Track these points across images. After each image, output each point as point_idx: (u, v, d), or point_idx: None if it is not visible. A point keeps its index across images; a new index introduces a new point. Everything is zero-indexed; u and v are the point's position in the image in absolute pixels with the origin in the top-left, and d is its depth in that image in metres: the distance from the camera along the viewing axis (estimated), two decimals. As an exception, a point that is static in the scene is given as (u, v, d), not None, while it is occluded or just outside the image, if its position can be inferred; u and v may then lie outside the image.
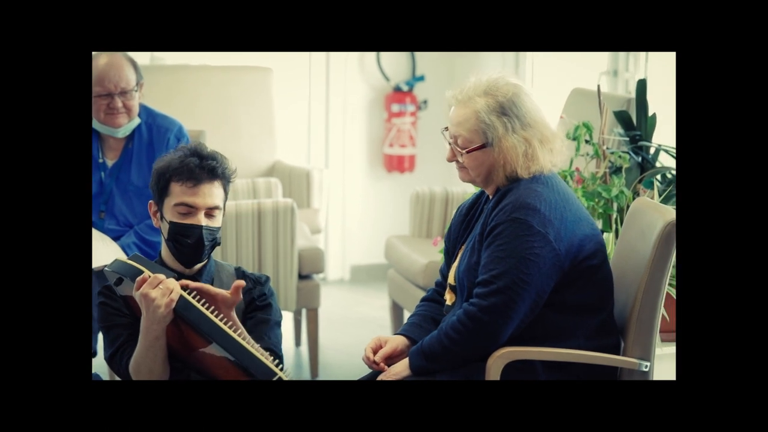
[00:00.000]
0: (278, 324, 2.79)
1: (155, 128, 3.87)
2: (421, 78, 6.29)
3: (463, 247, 2.82)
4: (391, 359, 2.80)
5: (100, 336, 3.73)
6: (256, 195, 5.17)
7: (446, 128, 2.78)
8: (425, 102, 6.32)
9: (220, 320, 2.54)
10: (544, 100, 5.52)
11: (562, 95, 4.66)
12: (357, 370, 4.56)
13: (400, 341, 2.84)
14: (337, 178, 6.35)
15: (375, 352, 2.83)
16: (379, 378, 2.76)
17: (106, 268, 2.61)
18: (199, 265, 2.74)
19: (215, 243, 2.72)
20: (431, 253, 4.59)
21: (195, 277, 2.73)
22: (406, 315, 5.07)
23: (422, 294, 4.50)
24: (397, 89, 6.27)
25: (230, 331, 2.53)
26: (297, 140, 6.35)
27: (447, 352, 2.67)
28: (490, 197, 2.77)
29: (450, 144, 2.76)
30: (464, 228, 2.87)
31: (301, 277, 4.62)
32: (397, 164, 6.34)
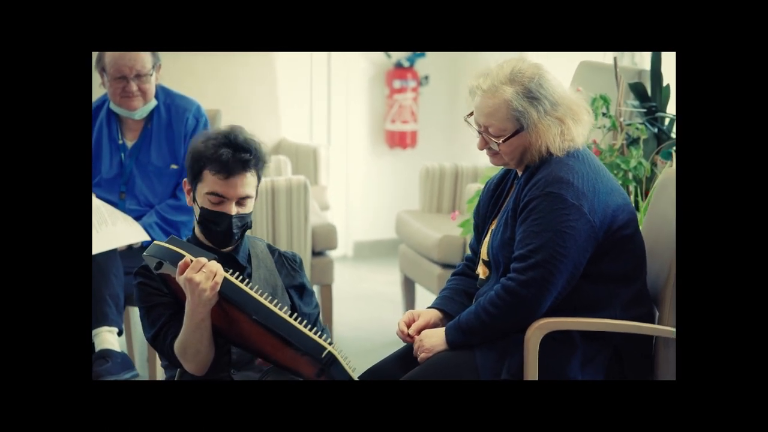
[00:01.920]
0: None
1: (174, 108, 3.87)
2: (422, 54, 6.30)
3: (495, 222, 2.84)
4: (425, 333, 2.82)
5: (126, 314, 3.77)
6: (266, 173, 5.17)
7: (470, 114, 2.79)
8: (426, 78, 6.32)
9: (266, 299, 2.55)
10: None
11: (567, 68, 4.66)
12: (370, 345, 4.60)
13: (434, 314, 2.86)
14: (340, 154, 6.36)
15: (408, 326, 2.85)
16: (413, 351, 2.79)
17: (144, 253, 2.62)
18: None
19: (245, 228, 2.73)
20: (445, 228, 4.61)
21: (231, 254, 2.75)
22: (419, 289, 5.10)
23: (436, 268, 4.56)
24: (399, 65, 6.28)
25: (277, 310, 2.54)
26: (299, 117, 6.34)
27: (485, 327, 2.69)
28: (520, 174, 2.79)
29: (480, 133, 2.77)
30: (493, 203, 2.89)
31: (315, 253, 4.63)
32: (399, 140, 6.35)
